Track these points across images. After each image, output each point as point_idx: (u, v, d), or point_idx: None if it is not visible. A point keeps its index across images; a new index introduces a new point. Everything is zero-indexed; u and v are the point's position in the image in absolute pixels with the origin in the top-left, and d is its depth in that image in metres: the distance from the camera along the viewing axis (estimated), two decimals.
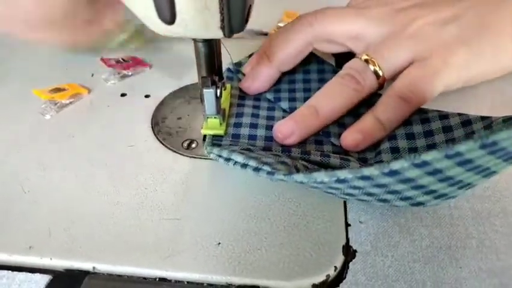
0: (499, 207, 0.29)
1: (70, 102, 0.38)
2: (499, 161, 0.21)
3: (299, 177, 0.24)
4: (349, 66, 0.33)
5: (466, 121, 0.29)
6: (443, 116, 0.31)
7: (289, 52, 0.34)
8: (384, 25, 0.33)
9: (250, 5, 0.25)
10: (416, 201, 0.25)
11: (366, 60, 0.32)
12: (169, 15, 0.20)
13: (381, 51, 0.32)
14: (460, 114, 0.30)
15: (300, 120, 0.31)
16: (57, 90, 0.38)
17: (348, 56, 0.34)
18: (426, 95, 0.31)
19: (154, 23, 0.23)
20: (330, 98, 0.32)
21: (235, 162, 0.28)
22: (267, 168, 0.26)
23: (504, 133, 0.17)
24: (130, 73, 0.42)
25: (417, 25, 0.32)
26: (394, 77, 0.32)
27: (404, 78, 0.31)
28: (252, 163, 0.27)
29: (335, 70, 0.35)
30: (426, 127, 0.31)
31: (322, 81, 0.33)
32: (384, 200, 0.25)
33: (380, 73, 0.32)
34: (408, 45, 0.32)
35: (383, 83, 0.32)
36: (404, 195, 0.24)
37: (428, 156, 0.19)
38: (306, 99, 0.33)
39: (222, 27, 0.24)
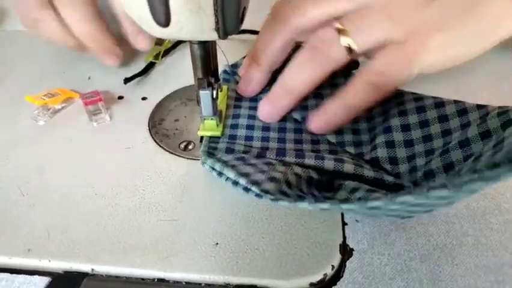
0: (494, 205, 0.29)
1: (62, 107, 0.38)
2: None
3: (284, 203, 0.25)
4: (319, 36, 0.31)
5: (462, 110, 0.29)
6: (439, 103, 0.31)
7: (273, 53, 0.34)
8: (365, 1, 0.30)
9: (245, 7, 0.25)
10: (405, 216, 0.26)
11: (339, 30, 0.30)
12: (163, 18, 0.20)
13: (357, 24, 0.30)
14: (456, 102, 0.30)
15: (275, 100, 0.33)
16: (49, 95, 0.38)
17: None
18: (400, 80, 0.30)
19: (149, 25, 0.23)
20: (298, 75, 0.31)
21: (227, 178, 0.28)
22: (255, 189, 0.26)
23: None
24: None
25: (398, 5, 0.30)
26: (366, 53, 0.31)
27: (377, 62, 0.30)
28: (242, 181, 0.27)
29: None
30: (422, 117, 0.31)
31: None
32: (372, 215, 0.26)
33: (353, 46, 0.30)
34: (386, 24, 0.30)
35: (354, 56, 0.31)
36: (390, 214, 0.25)
37: (403, 197, 0.20)
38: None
39: (217, 29, 0.24)
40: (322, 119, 0.31)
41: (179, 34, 0.24)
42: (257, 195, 0.26)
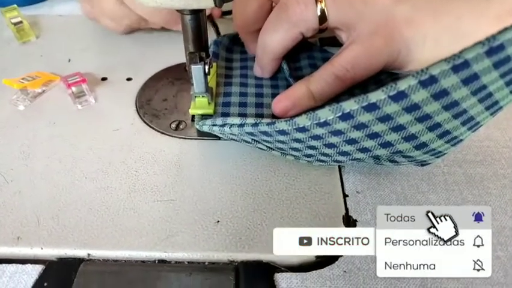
0: (491, 171, 0.29)
1: (43, 91, 0.36)
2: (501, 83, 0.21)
3: (302, 119, 0.24)
4: None
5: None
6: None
7: (249, 17, 0.33)
8: None
9: None
10: (374, 154, 0.25)
11: None
12: None
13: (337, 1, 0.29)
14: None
15: (259, 61, 0.34)
16: (28, 78, 0.36)
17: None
18: (364, 74, 0.30)
19: None
20: (271, 35, 0.31)
21: (231, 125, 0.27)
22: (266, 120, 0.25)
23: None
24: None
25: None
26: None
27: (345, 56, 0.29)
28: (250, 120, 0.26)
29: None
30: None
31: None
32: (345, 153, 0.26)
33: (327, 17, 0.29)
34: (362, 9, 0.29)
35: (324, 29, 0.30)
36: (361, 146, 0.24)
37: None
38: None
39: None
40: (285, 103, 0.30)
41: (173, 2, 0.22)
42: (268, 124, 0.25)
